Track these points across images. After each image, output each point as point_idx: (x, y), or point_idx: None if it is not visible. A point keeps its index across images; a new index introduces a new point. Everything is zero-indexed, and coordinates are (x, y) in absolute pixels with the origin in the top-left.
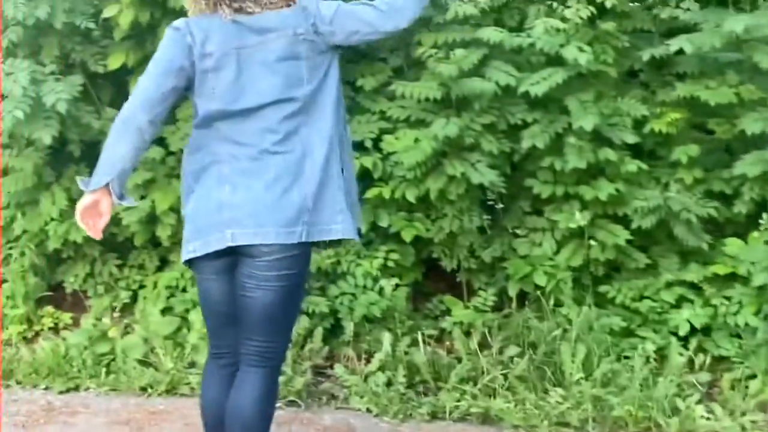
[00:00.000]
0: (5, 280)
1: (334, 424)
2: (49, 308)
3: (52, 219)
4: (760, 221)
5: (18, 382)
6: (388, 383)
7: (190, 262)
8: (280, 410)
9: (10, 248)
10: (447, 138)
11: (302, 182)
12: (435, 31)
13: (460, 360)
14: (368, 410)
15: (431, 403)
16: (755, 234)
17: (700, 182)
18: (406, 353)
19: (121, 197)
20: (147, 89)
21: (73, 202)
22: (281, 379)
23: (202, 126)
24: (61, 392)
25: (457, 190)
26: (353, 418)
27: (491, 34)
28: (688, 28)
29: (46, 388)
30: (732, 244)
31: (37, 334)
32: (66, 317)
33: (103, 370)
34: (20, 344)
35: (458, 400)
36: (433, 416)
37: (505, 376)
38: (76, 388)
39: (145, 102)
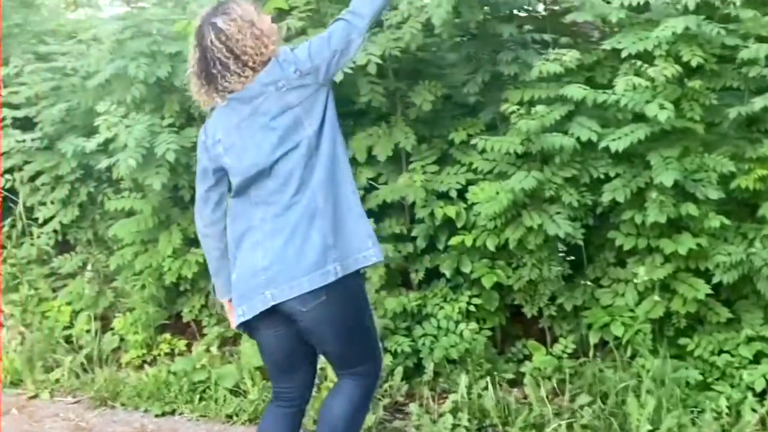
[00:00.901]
0: (131, 309)
1: None
2: (167, 335)
3: (168, 256)
4: None
5: (122, 404)
6: (455, 426)
7: (243, 325)
8: None
9: (134, 281)
10: (525, 190)
11: (318, 221)
12: (521, 88)
13: (531, 406)
14: None
15: None
16: None
17: None
18: (479, 396)
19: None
20: (196, 198)
21: (186, 240)
22: None
23: (237, 195)
24: (157, 416)
25: (535, 240)
26: None
27: (575, 91)
28: None
29: (146, 411)
30: None
31: (154, 358)
32: (181, 344)
33: (197, 396)
34: (135, 368)
35: None
36: None
37: (570, 425)
38: (172, 413)
39: (196, 212)
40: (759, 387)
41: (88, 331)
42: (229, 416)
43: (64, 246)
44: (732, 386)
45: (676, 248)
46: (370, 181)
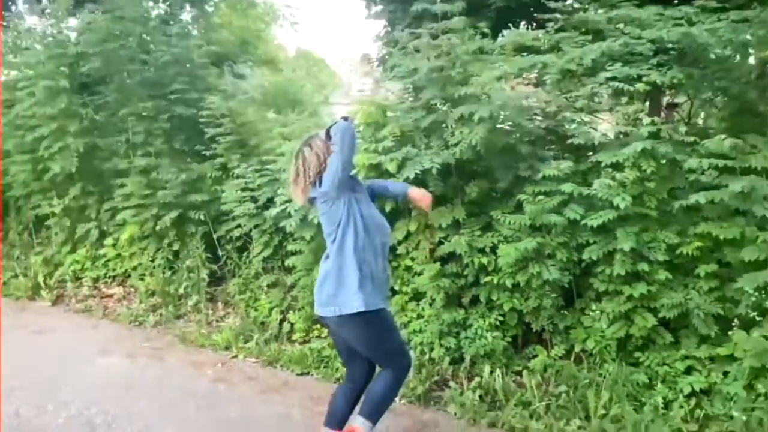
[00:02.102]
0: (301, 307)
1: (429, 419)
2: (318, 325)
3: None
4: (758, 319)
5: (281, 366)
6: (477, 398)
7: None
8: (401, 405)
9: (303, 292)
10: (528, 250)
11: (329, 279)
12: (532, 185)
13: (525, 389)
14: (454, 414)
15: (495, 414)
16: (754, 330)
17: (714, 290)
18: (495, 380)
19: None
20: None
21: None
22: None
23: None
24: (297, 374)
25: (536, 281)
26: (442, 417)
27: (567, 187)
28: (708, 187)
29: (291, 371)
30: (738, 334)
31: (307, 339)
32: (324, 331)
33: (323, 365)
34: (298, 344)
35: (512, 416)
36: (492, 425)
37: (548, 406)
38: (307, 373)
39: None
40: (686, 390)
41: (275, 320)
42: (338, 379)
43: (264, 270)
44: (668, 389)
45: (632, 292)
46: (443, 239)
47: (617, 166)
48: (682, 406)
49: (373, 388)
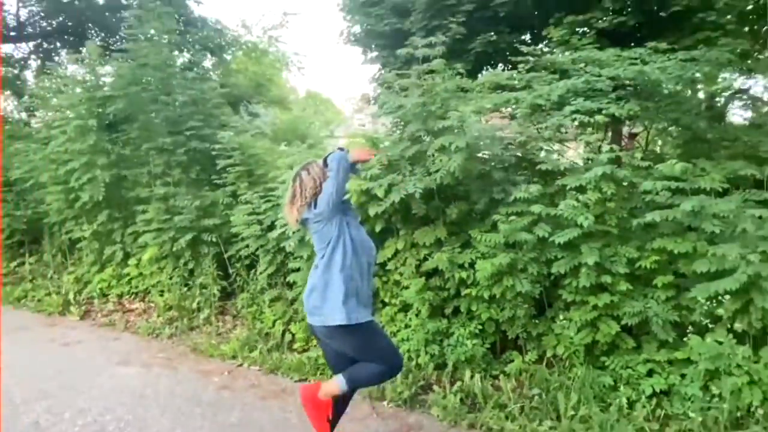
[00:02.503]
0: (302, 319)
1: (414, 422)
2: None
3: None
4: (711, 326)
5: (282, 373)
6: (458, 400)
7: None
8: (388, 408)
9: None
10: (502, 265)
11: (315, 291)
12: (505, 206)
13: (502, 392)
14: (437, 416)
15: (474, 416)
16: (708, 335)
17: (671, 299)
18: (474, 384)
19: None
20: None
21: None
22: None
23: None
24: (295, 381)
25: (510, 294)
26: (426, 419)
27: (538, 208)
28: (663, 206)
29: (290, 377)
30: (693, 339)
31: (307, 348)
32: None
33: (319, 371)
34: (297, 352)
35: (490, 418)
36: (471, 427)
37: (522, 408)
38: (305, 380)
39: None
40: (648, 392)
41: (278, 330)
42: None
43: (269, 285)
44: (632, 390)
45: (597, 302)
46: (427, 255)
47: (581, 189)
48: (644, 406)
49: (364, 365)
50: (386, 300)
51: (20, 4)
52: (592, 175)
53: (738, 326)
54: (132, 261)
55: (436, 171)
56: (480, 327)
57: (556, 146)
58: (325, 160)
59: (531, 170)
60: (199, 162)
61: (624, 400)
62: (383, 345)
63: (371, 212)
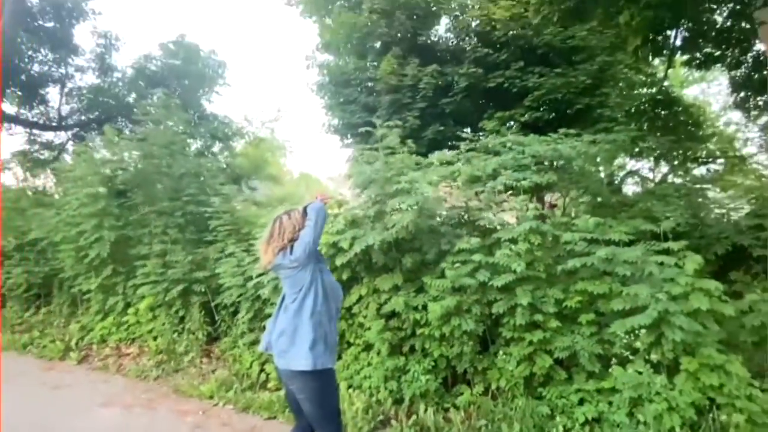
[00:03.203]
0: None
1: None
2: None
3: None
4: (631, 358)
5: (253, 411)
6: None
7: None
8: None
9: None
10: (450, 306)
11: (284, 336)
12: (452, 256)
13: (452, 424)
14: None
15: None
16: (629, 366)
17: (594, 334)
18: (428, 417)
19: None
20: None
21: None
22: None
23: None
24: (265, 419)
25: (457, 332)
26: None
27: (478, 257)
28: (581, 254)
29: (260, 415)
30: (617, 370)
31: (279, 388)
32: None
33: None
34: (270, 391)
35: None
36: None
37: None
38: (274, 418)
39: None
40: (581, 419)
41: (254, 371)
42: None
43: (249, 330)
44: (567, 418)
45: (532, 338)
46: (386, 300)
47: (513, 241)
48: None
49: None
50: (351, 341)
51: (62, 101)
52: (521, 229)
53: (654, 357)
54: (131, 310)
55: (393, 226)
56: (433, 363)
57: (493, 208)
58: (305, 210)
59: (471, 227)
60: (194, 223)
61: (561, 428)
62: (333, 405)
63: (338, 262)
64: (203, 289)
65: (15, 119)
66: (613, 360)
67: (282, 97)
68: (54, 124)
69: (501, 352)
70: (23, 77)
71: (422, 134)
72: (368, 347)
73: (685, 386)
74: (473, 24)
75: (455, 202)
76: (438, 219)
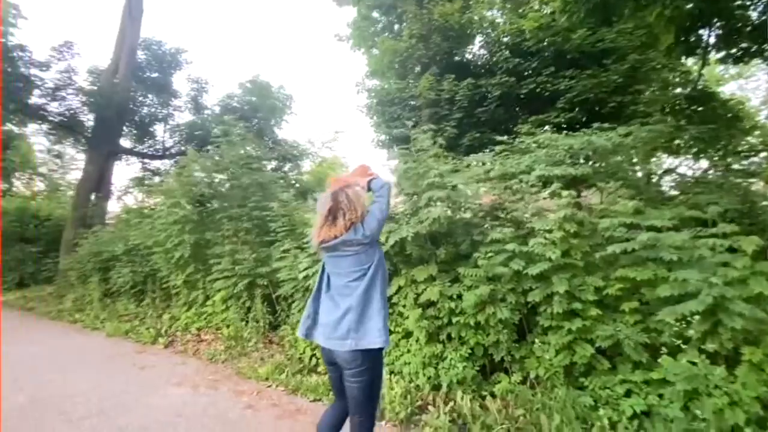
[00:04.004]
0: None
1: None
2: None
3: None
4: (682, 347)
5: (302, 394)
6: (449, 421)
7: None
8: (386, 427)
9: None
10: (484, 295)
11: (350, 314)
12: (485, 246)
13: (488, 412)
14: None
15: None
16: (680, 356)
17: (639, 323)
18: (464, 403)
19: None
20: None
21: None
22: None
23: None
24: (310, 401)
25: (493, 320)
26: None
27: (512, 246)
28: (621, 240)
29: (307, 397)
30: (666, 360)
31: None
32: None
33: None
34: (318, 374)
35: None
36: None
37: (508, 429)
38: (319, 400)
39: None
40: (629, 412)
41: (308, 356)
42: None
43: None
44: (612, 410)
45: (571, 326)
46: (423, 290)
47: (548, 230)
48: (626, 428)
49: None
50: (392, 328)
51: (165, 135)
52: (556, 217)
53: (710, 346)
54: (209, 302)
55: (426, 219)
56: (469, 351)
57: (526, 198)
58: (368, 186)
59: (505, 219)
60: (258, 226)
61: (606, 421)
62: (379, 388)
63: None
64: (265, 283)
65: (131, 152)
66: (663, 349)
67: (338, 119)
68: (160, 153)
69: (538, 341)
70: (137, 118)
71: (459, 142)
72: (407, 335)
73: (748, 378)
74: (504, 39)
75: (488, 200)
76: (470, 212)
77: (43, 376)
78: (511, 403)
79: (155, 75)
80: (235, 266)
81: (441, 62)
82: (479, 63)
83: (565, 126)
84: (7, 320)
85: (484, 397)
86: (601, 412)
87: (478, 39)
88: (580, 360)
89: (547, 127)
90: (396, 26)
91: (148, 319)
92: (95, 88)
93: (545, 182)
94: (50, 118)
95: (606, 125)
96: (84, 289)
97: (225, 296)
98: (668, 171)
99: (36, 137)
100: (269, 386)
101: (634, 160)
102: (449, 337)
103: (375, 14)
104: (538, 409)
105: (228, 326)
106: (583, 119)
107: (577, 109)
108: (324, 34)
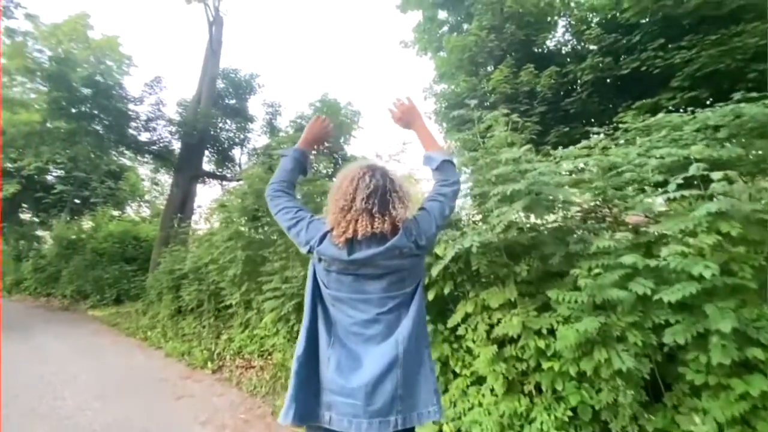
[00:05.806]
0: None
1: None
2: None
3: None
4: None
5: None
6: None
7: None
8: None
9: None
10: (589, 332)
11: (395, 371)
12: (587, 259)
13: None
14: None
15: None
16: None
17: None
18: None
19: None
20: None
21: None
22: None
23: None
24: None
25: (605, 371)
26: None
27: (626, 259)
28: None
29: None
30: None
31: None
32: None
33: None
34: None
35: None
36: None
37: None
38: None
39: None
40: None
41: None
42: None
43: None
44: None
45: (746, 387)
46: (498, 320)
47: (690, 234)
48: None
49: None
50: (457, 370)
51: (242, 158)
52: (701, 213)
53: None
54: (261, 324)
55: (499, 224)
56: (570, 413)
57: (647, 191)
58: (435, 168)
59: (614, 221)
60: None
61: None
62: None
63: (434, 273)
64: None
65: (213, 175)
66: None
67: (406, 131)
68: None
69: (686, 407)
70: (217, 144)
71: (545, 139)
72: (479, 380)
73: None
74: (591, 16)
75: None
76: (561, 212)
77: (77, 399)
78: None
79: (233, 102)
80: (284, 285)
81: (517, 53)
82: (563, 51)
83: (684, 111)
84: (84, 335)
85: None
86: None
87: (561, 23)
88: None
89: (660, 114)
90: (464, 25)
91: (204, 339)
92: (181, 118)
93: (664, 179)
94: (146, 148)
95: (755, 95)
96: (159, 306)
97: (275, 318)
98: None
99: (142, 168)
100: None
101: None
102: (538, 389)
103: (441, 15)
104: None
105: (280, 352)
106: (710, 97)
107: (700, 87)
108: (389, 43)
